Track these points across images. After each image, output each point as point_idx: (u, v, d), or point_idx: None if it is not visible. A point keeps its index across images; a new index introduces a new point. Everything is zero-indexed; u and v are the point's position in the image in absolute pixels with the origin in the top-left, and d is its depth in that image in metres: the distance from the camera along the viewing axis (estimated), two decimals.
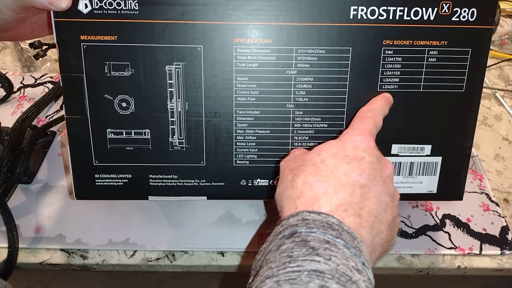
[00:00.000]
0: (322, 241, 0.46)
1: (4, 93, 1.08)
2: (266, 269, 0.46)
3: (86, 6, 0.64)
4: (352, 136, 0.59)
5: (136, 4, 0.64)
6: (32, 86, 1.13)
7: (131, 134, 0.70)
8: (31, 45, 1.01)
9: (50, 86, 1.13)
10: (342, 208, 0.52)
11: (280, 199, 0.58)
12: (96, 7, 0.64)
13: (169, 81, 0.68)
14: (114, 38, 0.66)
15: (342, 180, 0.54)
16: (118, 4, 0.64)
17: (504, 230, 0.84)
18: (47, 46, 1.02)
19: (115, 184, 0.72)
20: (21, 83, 1.13)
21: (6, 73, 1.14)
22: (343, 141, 0.59)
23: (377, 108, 0.65)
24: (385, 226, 0.55)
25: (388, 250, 0.58)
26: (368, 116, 0.63)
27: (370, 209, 0.53)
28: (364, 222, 0.52)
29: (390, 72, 0.68)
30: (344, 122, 0.70)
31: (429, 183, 0.74)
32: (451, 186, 0.75)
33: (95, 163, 0.71)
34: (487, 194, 0.90)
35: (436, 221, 0.85)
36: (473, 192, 0.91)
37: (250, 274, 0.51)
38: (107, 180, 0.72)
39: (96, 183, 0.72)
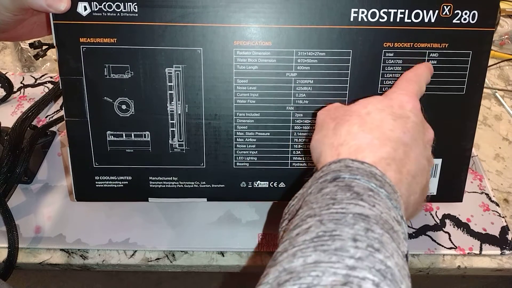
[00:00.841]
0: (366, 189, 0.46)
1: (4, 93, 1.08)
2: (307, 209, 0.46)
3: (85, 9, 0.64)
4: (399, 95, 0.58)
5: (136, 6, 0.64)
6: (32, 86, 1.13)
7: (131, 137, 0.70)
8: (31, 45, 1.01)
9: (50, 86, 1.13)
10: (386, 162, 0.51)
11: (319, 146, 0.57)
12: (95, 10, 0.64)
13: (169, 84, 0.68)
14: (114, 40, 0.65)
15: (388, 135, 0.53)
16: (118, 6, 0.64)
17: (504, 230, 0.84)
18: (47, 46, 1.02)
19: (115, 186, 0.72)
20: (21, 83, 1.13)
21: (6, 73, 1.14)
22: (390, 98, 0.58)
23: (422, 74, 0.64)
24: (419, 188, 0.55)
25: (415, 214, 0.59)
26: (414, 80, 0.62)
27: (410, 169, 0.53)
28: (404, 179, 0.52)
29: (391, 75, 0.68)
30: None
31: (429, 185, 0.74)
32: (451, 188, 0.75)
33: (95, 165, 0.71)
34: (487, 194, 0.90)
35: (436, 221, 0.85)
36: (473, 192, 0.91)
37: (283, 218, 0.51)
38: (107, 182, 0.72)
39: (96, 185, 0.72)
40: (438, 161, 0.73)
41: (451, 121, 0.71)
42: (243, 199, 0.76)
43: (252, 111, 0.69)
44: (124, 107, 0.68)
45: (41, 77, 1.16)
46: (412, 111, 0.57)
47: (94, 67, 0.66)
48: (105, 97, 0.68)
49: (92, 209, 0.84)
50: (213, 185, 0.73)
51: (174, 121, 0.69)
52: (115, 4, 0.64)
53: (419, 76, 0.64)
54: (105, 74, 0.67)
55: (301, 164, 0.73)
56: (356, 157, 0.51)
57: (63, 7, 0.63)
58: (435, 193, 0.75)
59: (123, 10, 0.64)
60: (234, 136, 0.71)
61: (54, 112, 1.06)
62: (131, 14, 0.64)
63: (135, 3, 0.64)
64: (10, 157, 0.82)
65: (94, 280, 1.31)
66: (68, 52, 0.66)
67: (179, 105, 0.69)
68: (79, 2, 0.63)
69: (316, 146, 0.58)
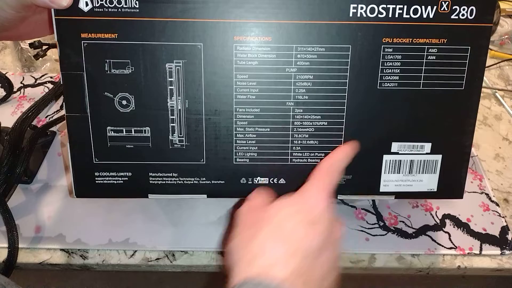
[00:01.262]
0: None
1: (4, 93, 1.08)
2: None
3: (86, 4, 0.64)
4: (313, 195, 0.61)
5: (137, 2, 0.64)
6: (32, 86, 1.14)
7: (131, 132, 0.70)
8: (31, 45, 1.02)
9: (50, 86, 1.13)
10: (295, 275, 0.53)
11: (234, 254, 0.59)
12: (96, 5, 0.64)
13: (169, 79, 0.68)
14: (115, 36, 0.66)
15: (298, 245, 0.56)
16: (119, 2, 0.64)
17: (504, 230, 0.84)
18: (47, 46, 1.02)
19: (115, 182, 0.72)
20: (21, 83, 1.14)
21: (6, 73, 1.14)
22: (303, 200, 0.61)
23: (337, 163, 0.67)
24: (328, 286, 0.58)
25: None
26: (330, 171, 0.65)
27: (319, 275, 0.56)
28: (313, 286, 0.55)
29: (390, 70, 0.68)
30: (344, 120, 0.70)
31: (429, 181, 0.74)
32: (451, 184, 0.75)
33: (95, 161, 0.71)
34: (487, 194, 0.90)
35: (436, 221, 0.85)
36: (473, 192, 0.91)
37: None
38: (107, 178, 0.72)
39: (96, 181, 0.72)
40: (438, 158, 0.73)
41: (451, 117, 0.71)
42: (243, 196, 0.76)
43: (252, 106, 0.70)
44: (124, 102, 0.68)
45: (41, 77, 1.16)
46: (323, 214, 0.59)
47: (95, 62, 0.66)
48: (105, 93, 0.68)
49: (92, 209, 0.84)
50: (213, 181, 0.73)
51: (174, 117, 0.69)
52: (116, 0, 0.64)
53: (333, 167, 0.66)
54: (106, 69, 0.67)
55: (301, 160, 0.73)
56: (267, 273, 0.53)
57: (65, 3, 0.63)
58: (435, 190, 0.75)
59: (124, 6, 0.64)
60: (234, 132, 0.71)
61: (54, 112, 1.06)
62: (132, 10, 0.65)
63: None
64: (10, 157, 0.82)
65: (94, 280, 1.31)
66: (69, 48, 0.66)
67: (179, 100, 0.69)
68: None
69: (231, 252, 0.60)
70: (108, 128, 0.70)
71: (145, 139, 0.70)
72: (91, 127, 0.69)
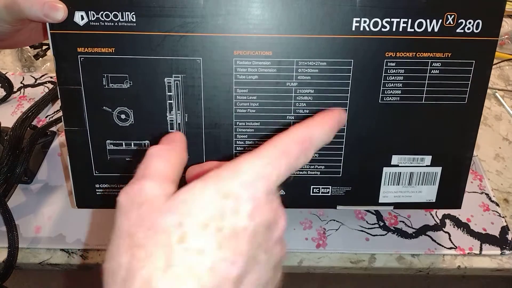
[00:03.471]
0: None
1: (4, 93, 1.08)
2: None
3: (82, 18, 0.63)
4: (237, 188, 0.38)
5: (134, 16, 0.63)
6: (32, 86, 1.13)
7: (131, 146, 0.70)
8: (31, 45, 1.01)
9: (50, 86, 1.13)
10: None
11: (108, 271, 0.38)
12: (92, 19, 0.63)
13: (168, 93, 0.67)
14: (112, 50, 0.65)
15: (204, 281, 0.34)
16: (115, 15, 0.63)
17: (504, 230, 0.85)
18: (47, 46, 1.02)
19: (116, 193, 0.72)
20: (21, 83, 1.13)
21: (6, 73, 1.14)
22: (222, 195, 0.37)
23: (313, 139, 0.43)
24: None
25: None
26: (286, 152, 0.41)
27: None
28: None
29: (392, 84, 0.68)
30: (344, 133, 0.70)
31: (428, 193, 0.74)
32: (450, 195, 0.75)
33: (95, 173, 0.71)
34: (487, 194, 0.91)
35: (436, 221, 0.85)
36: (473, 192, 0.91)
37: None
38: (107, 190, 0.72)
39: (97, 193, 0.72)
40: (438, 170, 0.73)
41: (452, 130, 0.71)
42: None
43: (252, 120, 0.69)
44: (123, 116, 0.68)
45: (41, 77, 1.16)
46: (254, 212, 0.37)
47: (93, 77, 0.66)
48: (104, 107, 0.67)
49: (92, 209, 0.85)
50: None
51: (173, 131, 0.69)
52: (112, 14, 0.63)
53: (310, 141, 0.43)
54: (104, 83, 0.66)
55: (300, 172, 0.73)
56: None
57: (60, 17, 0.61)
58: (434, 201, 0.75)
59: (121, 20, 0.63)
60: (234, 145, 0.70)
61: (54, 112, 1.06)
62: (129, 24, 0.63)
63: (133, 13, 0.63)
64: (10, 157, 0.82)
65: (94, 280, 1.32)
66: (66, 62, 0.65)
67: (178, 114, 0.68)
68: (76, 12, 0.62)
69: (107, 269, 0.38)
70: (108, 141, 0.69)
71: (145, 152, 0.70)
72: (90, 141, 0.69)
